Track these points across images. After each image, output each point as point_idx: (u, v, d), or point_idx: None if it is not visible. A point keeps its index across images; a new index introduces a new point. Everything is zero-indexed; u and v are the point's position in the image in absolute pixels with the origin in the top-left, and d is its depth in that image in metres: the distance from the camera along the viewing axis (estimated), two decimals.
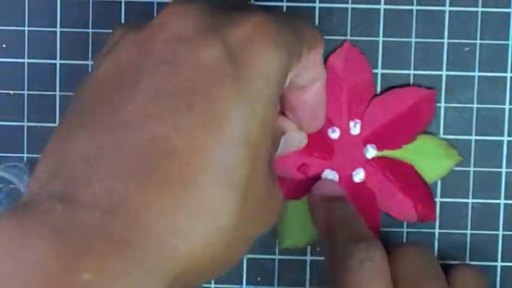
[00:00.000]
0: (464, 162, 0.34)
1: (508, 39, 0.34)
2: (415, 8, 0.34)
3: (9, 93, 0.35)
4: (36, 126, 0.35)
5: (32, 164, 0.35)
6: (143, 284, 0.20)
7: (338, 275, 0.29)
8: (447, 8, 0.34)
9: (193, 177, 0.22)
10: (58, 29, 0.35)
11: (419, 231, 0.35)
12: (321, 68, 0.29)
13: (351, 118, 0.34)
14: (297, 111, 0.31)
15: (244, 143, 0.23)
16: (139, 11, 0.35)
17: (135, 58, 0.24)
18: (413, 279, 0.30)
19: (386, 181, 0.34)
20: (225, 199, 0.22)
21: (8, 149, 0.35)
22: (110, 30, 0.34)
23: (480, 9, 0.34)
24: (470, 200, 0.34)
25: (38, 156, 0.35)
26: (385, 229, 0.34)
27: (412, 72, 0.34)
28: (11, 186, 0.34)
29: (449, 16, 0.34)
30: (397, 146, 0.34)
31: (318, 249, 0.35)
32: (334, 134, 0.34)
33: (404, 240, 0.35)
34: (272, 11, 0.25)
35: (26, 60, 0.35)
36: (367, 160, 0.34)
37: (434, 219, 0.34)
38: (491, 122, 0.34)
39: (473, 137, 0.34)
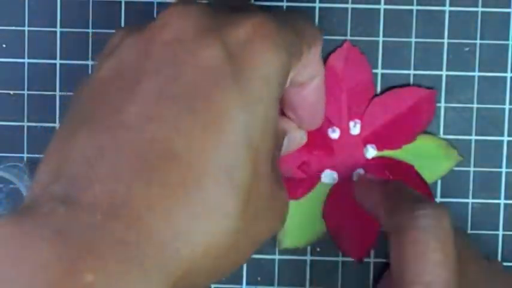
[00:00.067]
0: (464, 162, 0.34)
1: (508, 39, 0.34)
2: (415, 8, 0.34)
3: (9, 93, 0.35)
4: (36, 126, 0.35)
5: (32, 164, 0.35)
6: (144, 286, 0.20)
7: (402, 236, 0.28)
8: (447, 8, 0.34)
9: (194, 178, 0.22)
10: (58, 29, 0.35)
11: None
12: (320, 65, 0.29)
13: (350, 118, 0.34)
14: (296, 109, 0.31)
15: (245, 144, 0.23)
16: (139, 11, 0.35)
17: (136, 59, 0.24)
18: (463, 259, 0.29)
19: None
20: (226, 201, 0.22)
21: (8, 149, 0.35)
22: (110, 30, 0.35)
23: (480, 9, 0.34)
24: (470, 200, 0.35)
25: (38, 156, 0.35)
26: None
27: (412, 72, 0.34)
28: (11, 186, 0.34)
29: (449, 16, 0.34)
30: (397, 146, 0.34)
31: (318, 249, 0.35)
32: (334, 134, 0.34)
33: None
34: (272, 11, 0.25)
35: (26, 60, 0.35)
36: (367, 160, 0.34)
37: None
38: (491, 122, 0.34)
39: (473, 137, 0.34)
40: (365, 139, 0.34)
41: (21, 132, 0.35)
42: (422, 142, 0.34)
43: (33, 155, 0.35)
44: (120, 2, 0.35)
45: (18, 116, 0.35)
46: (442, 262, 0.27)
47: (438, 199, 0.34)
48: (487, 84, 0.34)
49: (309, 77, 0.29)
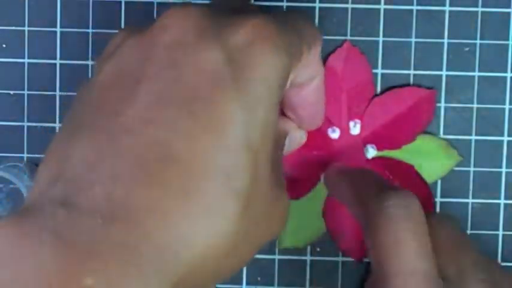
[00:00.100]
0: (464, 162, 0.34)
1: (508, 39, 0.34)
2: (415, 8, 0.34)
3: (9, 93, 0.35)
4: (36, 126, 0.35)
5: (32, 164, 0.35)
6: None
7: (373, 228, 0.27)
8: (447, 8, 0.34)
9: (193, 181, 0.22)
10: (58, 29, 0.35)
11: None
12: (319, 65, 0.29)
13: (350, 118, 0.34)
14: (296, 109, 0.31)
15: (245, 147, 0.23)
16: (139, 11, 0.35)
17: (136, 62, 0.24)
18: (453, 246, 0.29)
19: None
20: (226, 204, 0.22)
21: (8, 149, 0.35)
22: (110, 30, 0.35)
23: (480, 9, 0.34)
24: (470, 200, 0.35)
25: (38, 156, 0.35)
26: None
27: (412, 72, 0.34)
28: (11, 186, 0.34)
29: (449, 16, 0.34)
30: (397, 146, 0.34)
31: (318, 249, 0.35)
32: (334, 134, 0.34)
33: None
34: (272, 13, 0.25)
35: (26, 60, 0.35)
36: (367, 160, 0.34)
37: None
38: (491, 122, 0.34)
39: (473, 137, 0.34)
40: (365, 139, 0.34)
41: (21, 132, 0.35)
42: (422, 142, 0.34)
43: (33, 155, 0.35)
44: (120, 2, 0.35)
45: (18, 116, 0.35)
46: (418, 251, 0.26)
47: (438, 199, 0.34)
48: (487, 84, 0.34)
49: (309, 77, 0.29)
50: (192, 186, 0.22)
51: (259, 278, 0.35)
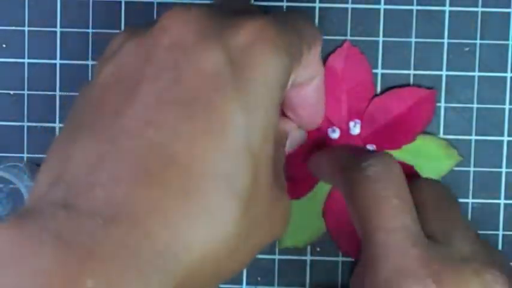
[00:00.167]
0: (464, 162, 0.34)
1: (508, 39, 0.34)
2: (415, 8, 0.34)
3: (9, 93, 0.35)
4: (36, 126, 0.35)
5: (32, 164, 0.35)
6: None
7: (353, 190, 0.27)
8: (447, 8, 0.34)
9: (193, 184, 0.22)
10: (58, 29, 0.35)
11: None
12: (319, 65, 0.29)
13: (351, 118, 0.34)
14: (296, 110, 0.31)
15: (245, 148, 0.23)
16: (139, 11, 0.35)
17: (136, 64, 0.24)
18: (440, 206, 0.29)
19: None
20: (226, 207, 0.22)
21: (8, 149, 0.35)
22: (110, 30, 0.34)
23: (480, 9, 0.34)
24: (470, 200, 0.35)
25: (38, 156, 0.35)
26: None
27: (412, 72, 0.34)
28: (11, 186, 0.34)
29: (449, 16, 0.34)
30: (397, 146, 0.34)
31: (318, 249, 0.35)
32: (334, 134, 0.34)
33: None
34: (272, 13, 0.25)
35: (26, 60, 0.35)
36: None
37: None
38: (491, 122, 0.34)
39: (473, 137, 0.34)
40: (365, 139, 0.34)
41: (21, 132, 0.35)
42: (422, 142, 0.34)
43: (33, 155, 0.35)
44: (120, 2, 0.35)
45: (18, 116, 0.35)
46: (399, 207, 0.26)
47: None
48: (487, 84, 0.34)
49: (309, 77, 0.29)
50: (192, 189, 0.21)
51: (259, 278, 0.35)
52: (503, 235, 0.35)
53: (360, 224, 0.27)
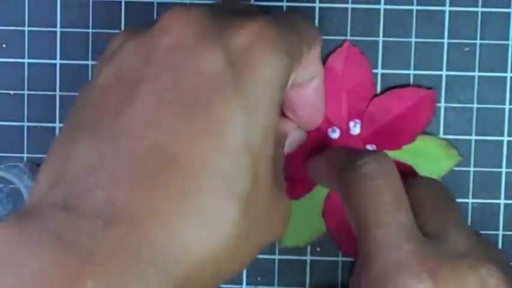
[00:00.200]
0: (464, 162, 0.34)
1: (508, 39, 0.34)
2: (415, 8, 0.34)
3: (9, 93, 0.35)
4: (36, 126, 0.35)
5: (32, 164, 0.35)
6: None
7: (349, 189, 0.27)
8: (447, 8, 0.34)
9: (193, 185, 0.22)
10: (58, 29, 0.35)
11: None
12: (319, 65, 0.29)
13: (351, 118, 0.34)
14: (296, 110, 0.31)
15: (245, 148, 0.22)
16: (139, 11, 0.35)
17: (136, 65, 0.24)
18: (437, 204, 0.29)
19: None
20: (226, 207, 0.22)
21: (8, 149, 0.35)
22: (110, 30, 0.34)
23: (480, 9, 0.34)
24: (470, 200, 0.35)
25: (38, 156, 0.35)
26: None
27: (412, 72, 0.34)
28: (11, 186, 0.34)
29: (449, 16, 0.34)
30: (397, 146, 0.34)
31: (318, 249, 0.35)
32: (334, 134, 0.34)
33: None
34: (272, 13, 0.25)
35: (26, 60, 0.35)
36: None
37: None
38: (491, 122, 0.34)
39: (473, 137, 0.34)
40: (365, 139, 0.34)
41: (21, 132, 0.35)
42: (422, 142, 0.34)
43: (33, 155, 0.35)
44: (120, 2, 0.35)
45: (18, 116, 0.35)
46: (393, 203, 0.26)
47: None
48: (487, 84, 0.34)
49: (309, 77, 0.29)
50: (192, 190, 0.21)
51: (259, 278, 0.35)
52: (503, 235, 0.35)
53: (355, 223, 0.27)
